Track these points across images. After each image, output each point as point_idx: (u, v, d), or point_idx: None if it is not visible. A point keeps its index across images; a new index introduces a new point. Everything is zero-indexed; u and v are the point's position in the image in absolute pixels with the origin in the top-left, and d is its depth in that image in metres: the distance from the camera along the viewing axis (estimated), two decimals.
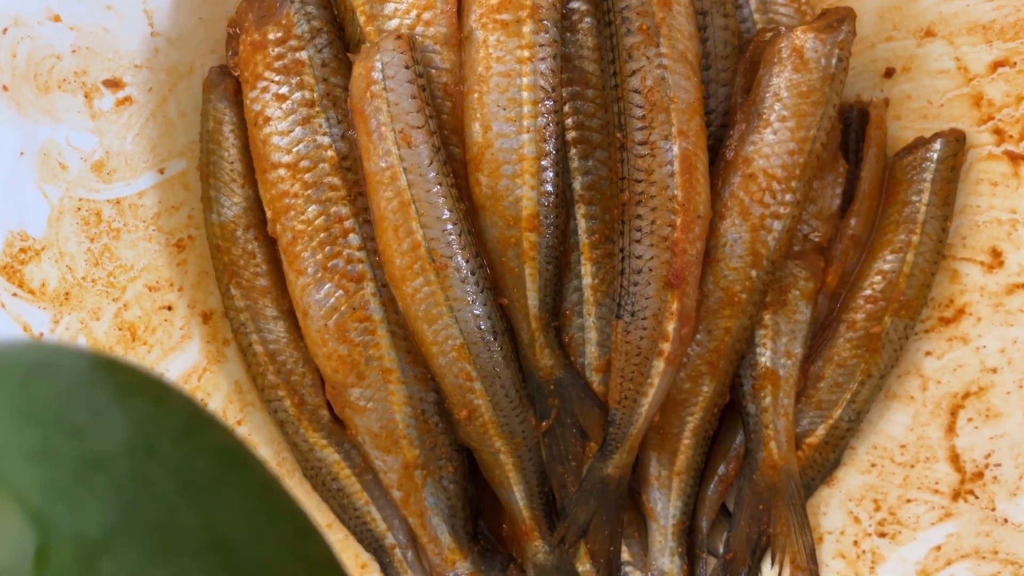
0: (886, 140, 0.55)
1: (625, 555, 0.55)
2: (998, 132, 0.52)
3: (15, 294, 0.47)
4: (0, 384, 0.18)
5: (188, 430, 0.19)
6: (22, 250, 0.47)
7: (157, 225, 0.52)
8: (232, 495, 0.19)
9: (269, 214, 0.50)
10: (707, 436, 0.54)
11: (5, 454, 0.17)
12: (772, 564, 0.53)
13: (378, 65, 0.46)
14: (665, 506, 0.54)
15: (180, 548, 0.17)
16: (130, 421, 0.18)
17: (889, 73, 0.55)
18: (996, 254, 0.52)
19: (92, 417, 0.18)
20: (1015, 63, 0.51)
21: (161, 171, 0.52)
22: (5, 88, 0.45)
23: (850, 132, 0.55)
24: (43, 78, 0.47)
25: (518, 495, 0.53)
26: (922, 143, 0.53)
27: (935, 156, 0.53)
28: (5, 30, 0.45)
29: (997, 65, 0.52)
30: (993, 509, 0.50)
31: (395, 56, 0.46)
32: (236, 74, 0.52)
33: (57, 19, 0.47)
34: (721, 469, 0.55)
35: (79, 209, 0.49)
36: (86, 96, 0.49)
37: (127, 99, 0.51)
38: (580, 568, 0.53)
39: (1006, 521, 0.50)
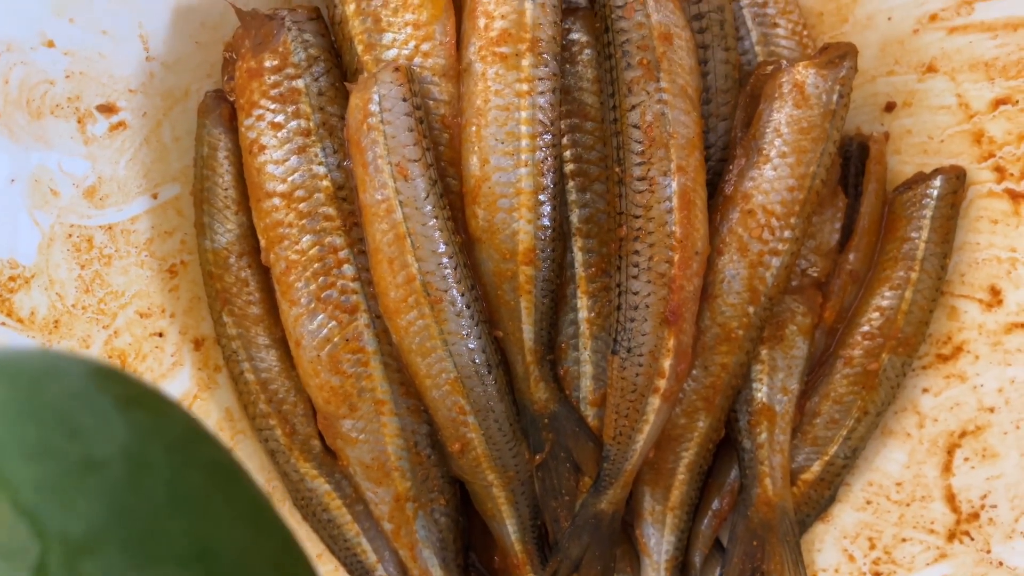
0: (886, 175, 0.55)
1: None
2: (999, 170, 0.52)
3: (3, 323, 0.46)
4: (10, 384, 0.18)
5: (184, 442, 0.19)
6: (11, 278, 0.46)
7: (149, 251, 0.52)
8: (221, 508, 0.19)
9: (263, 243, 0.49)
10: (702, 471, 0.53)
11: (5, 447, 0.17)
12: None
13: (375, 97, 0.46)
14: (659, 541, 0.53)
15: (165, 555, 0.17)
16: (128, 429, 0.19)
17: (890, 107, 0.55)
18: (995, 292, 0.52)
19: (92, 422, 0.18)
20: (1017, 101, 0.51)
21: (154, 196, 0.52)
22: None
23: (850, 166, 0.55)
24: (35, 104, 0.46)
25: (510, 528, 0.52)
26: (922, 179, 0.53)
27: (935, 192, 0.52)
28: None
29: (999, 103, 0.52)
30: (988, 551, 0.50)
31: (393, 88, 0.46)
32: (232, 99, 0.52)
33: (51, 44, 0.46)
34: (715, 504, 0.55)
35: (70, 235, 0.49)
36: (79, 121, 0.48)
37: (121, 124, 0.50)
38: None
39: (1001, 564, 0.50)
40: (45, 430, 0.18)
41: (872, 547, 0.53)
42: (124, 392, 0.20)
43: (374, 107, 0.46)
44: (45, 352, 0.21)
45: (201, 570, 0.18)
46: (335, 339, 0.49)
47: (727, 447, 0.54)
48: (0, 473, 0.17)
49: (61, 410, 0.18)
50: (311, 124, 0.49)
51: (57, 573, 0.16)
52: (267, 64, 0.49)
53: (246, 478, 0.20)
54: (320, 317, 0.49)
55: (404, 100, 0.46)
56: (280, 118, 0.48)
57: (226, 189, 0.51)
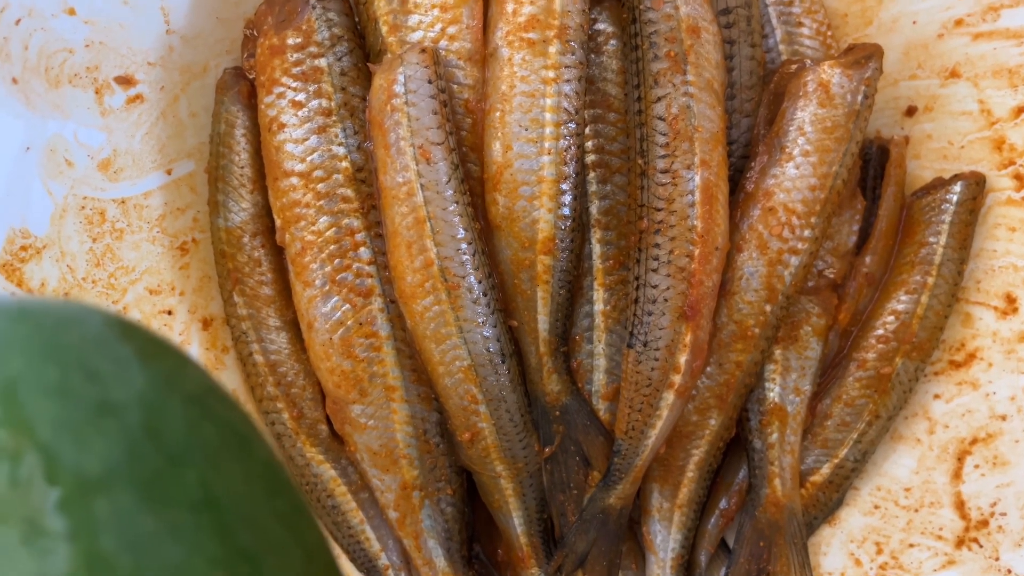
0: (905, 179, 0.54)
1: None
2: (1018, 178, 0.52)
3: (13, 293, 0.45)
4: (34, 325, 0.19)
5: (200, 397, 0.20)
6: (23, 248, 0.46)
7: (161, 227, 0.51)
8: (234, 464, 0.19)
9: (279, 222, 0.49)
10: (711, 470, 0.53)
11: (25, 384, 0.18)
12: None
13: (400, 78, 0.45)
14: (665, 539, 0.53)
15: (176, 500, 0.18)
16: (146, 378, 0.19)
17: (911, 111, 0.55)
18: (1011, 300, 0.52)
19: (111, 368, 0.19)
20: None
21: (168, 172, 0.51)
22: (15, 80, 0.44)
23: (869, 169, 0.55)
24: (54, 72, 0.46)
25: (517, 521, 0.52)
26: (941, 184, 0.53)
27: (954, 198, 0.52)
28: (18, 21, 0.44)
29: (1021, 111, 0.51)
30: (997, 559, 0.50)
31: (418, 70, 0.45)
32: (251, 77, 0.51)
33: (72, 12, 0.45)
34: (723, 503, 0.54)
35: (83, 207, 0.48)
36: (97, 92, 0.48)
37: (138, 97, 0.49)
38: None
39: (1010, 572, 0.49)
40: (65, 371, 0.18)
41: (879, 552, 0.53)
42: (144, 345, 0.20)
43: (399, 88, 0.45)
44: (69, 301, 0.21)
45: (211, 518, 0.18)
46: (348, 322, 0.48)
47: (736, 446, 0.54)
48: (19, 407, 0.17)
49: (82, 353, 0.19)
50: (332, 104, 0.48)
51: (71, 508, 0.17)
52: (290, 42, 0.48)
53: (261, 440, 0.21)
54: (334, 300, 0.48)
55: (429, 83, 0.45)
56: (301, 96, 0.48)
57: (242, 167, 0.51)
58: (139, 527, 0.17)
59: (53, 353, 0.18)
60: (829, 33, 0.54)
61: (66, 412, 0.18)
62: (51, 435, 0.17)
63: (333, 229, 0.48)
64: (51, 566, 0.16)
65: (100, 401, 0.18)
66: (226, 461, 0.19)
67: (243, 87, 0.51)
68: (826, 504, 0.54)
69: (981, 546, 0.50)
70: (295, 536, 0.20)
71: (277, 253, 0.51)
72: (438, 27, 0.47)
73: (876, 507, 0.54)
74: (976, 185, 0.52)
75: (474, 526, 0.54)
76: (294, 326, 0.51)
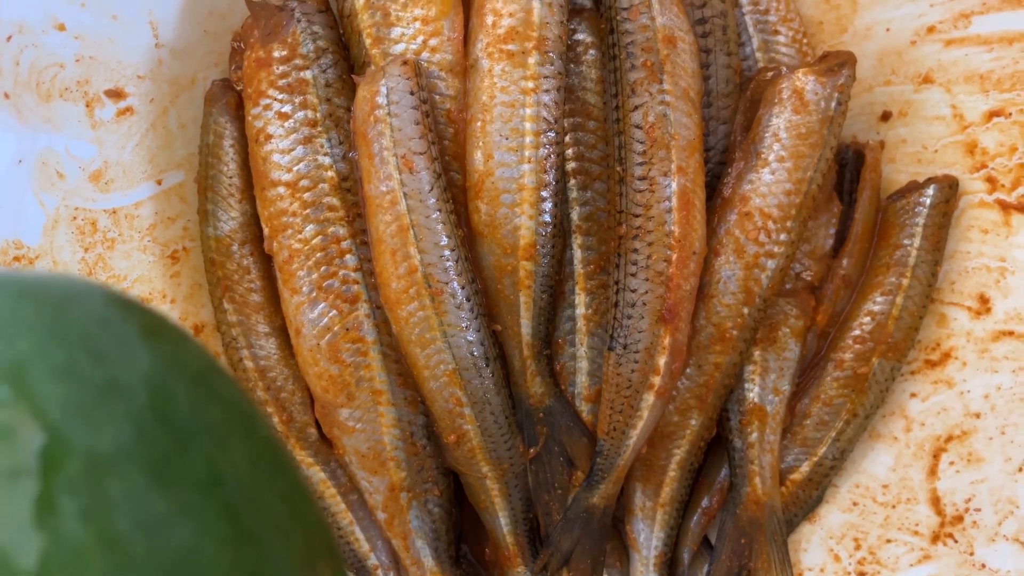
0: (880, 182, 0.56)
1: None
2: (990, 180, 0.53)
3: None
4: (36, 304, 0.19)
5: (205, 377, 0.20)
6: (16, 259, 0.47)
7: (152, 236, 0.52)
8: (238, 443, 0.20)
9: (266, 231, 0.50)
10: (692, 469, 0.54)
11: (32, 366, 0.18)
12: None
13: (383, 90, 0.46)
14: (648, 537, 0.54)
15: (184, 480, 0.18)
16: (151, 358, 0.19)
17: (886, 116, 0.56)
18: (984, 300, 0.53)
19: (116, 348, 0.19)
20: (1010, 114, 0.52)
21: (159, 182, 0.52)
22: (7, 95, 0.45)
23: (845, 173, 0.56)
24: (45, 86, 0.47)
25: (503, 520, 0.53)
26: (916, 187, 0.54)
27: (928, 201, 0.53)
28: (9, 38, 0.45)
29: (992, 115, 0.53)
30: (972, 553, 0.51)
31: (400, 81, 0.46)
32: (239, 88, 0.52)
33: (62, 28, 0.47)
34: (705, 502, 0.55)
35: (75, 218, 0.49)
36: (87, 105, 0.49)
37: (128, 109, 0.50)
38: None
39: (984, 566, 0.51)
40: (71, 351, 0.18)
41: (857, 547, 0.54)
42: (147, 323, 0.20)
43: (382, 99, 0.46)
44: (70, 277, 0.21)
45: (218, 498, 0.18)
46: (335, 328, 0.49)
47: (718, 445, 0.55)
48: (28, 388, 0.17)
49: (86, 334, 0.19)
50: (318, 115, 0.49)
51: (82, 488, 0.17)
52: (276, 54, 0.49)
53: (262, 419, 0.21)
54: (321, 306, 0.49)
55: (411, 94, 0.47)
56: (287, 108, 0.49)
57: (231, 177, 0.52)
58: (150, 507, 0.17)
59: (58, 334, 0.18)
60: (805, 41, 0.56)
61: (74, 393, 0.18)
62: (61, 416, 0.17)
63: (319, 237, 0.49)
64: (65, 544, 0.17)
65: (107, 382, 0.18)
66: (231, 441, 0.20)
67: (231, 99, 0.52)
68: (806, 502, 0.55)
69: (956, 541, 0.52)
70: (297, 515, 0.20)
71: (266, 261, 0.52)
72: (420, 39, 0.49)
73: (855, 504, 0.55)
74: (949, 188, 0.53)
75: (461, 526, 0.55)
76: (283, 332, 0.52)
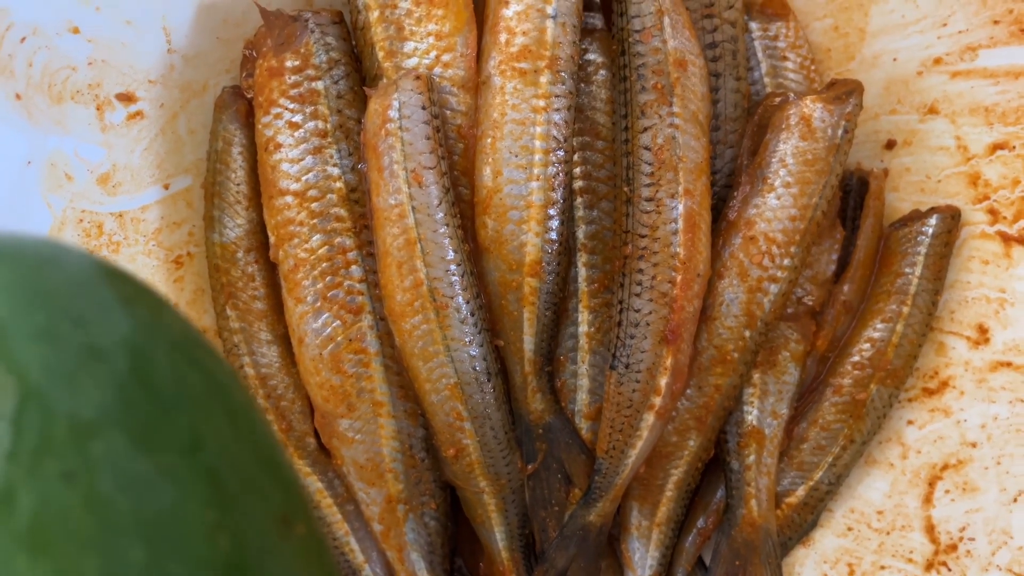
0: (883, 210, 0.56)
1: None
2: (992, 212, 0.54)
3: None
4: (14, 267, 0.19)
5: (185, 344, 0.20)
6: None
7: (157, 240, 0.52)
8: (218, 409, 0.20)
9: (272, 239, 0.50)
10: (689, 489, 0.54)
11: (13, 330, 0.18)
12: None
13: (395, 104, 0.47)
14: (643, 556, 0.54)
15: (167, 444, 0.18)
16: (131, 323, 0.19)
17: (890, 145, 0.56)
18: (983, 330, 0.54)
19: (97, 312, 0.19)
20: (1014, 147, 0.53)
21: (166, 187, 0.52)
22: (18, 96, 0.45)
23: (849, 200, 0.56)
24: (56, 89, 0.47)
25: (499, 536, 0.53)
26: (918, 216, 0.54)
27: (930, 230, 0.54)
28: (23, 39, 0.45)
29: (996, 147, 0.53)
30: None
31: (413, 96, 0.47)
32: (249, 96, 0.52)
33: (76, 31, 0.47)
34: (700, 522, 0.55)
35: (81, 220, 0.49)
36: (98, 108, 0.49)
37: (138, 114, 0.50)
38: None
39: None
40: (51, 315, 0.18)
41: (851, 573, 0.54)
42: (127, 289, 0.20)
43: (393, 113, 0.47)
44: (47, 240, 0.21)
45: (200, 461, 0.19)
46: (338, 338, 0.50)
47: (714, 466, 0.55)
48: (8, 351, 0.18)
49: (66, 297, 0.19)
50: (328, 126, 0.49)
51: (65, 452, 0.17)
52: (288, 64, 0.49)
53: (240, 388, 0.21)
54: (325, 316, 0.49)
55: (423, 108, 0.47)
56: (298, 118, 0.49)
57: (238, 184, 0.52)
58: (134, 470, 0.18)
59: (38, 297, 0.19)
60: (813, 67, 0.56)
61: (55, 357, 0.18)
62: (43, 379, 0.18)
63: (326, 247, 0.49)
64: (50, 505, 0.17)
65: (88, 346, 0.18)
66: (211, 406, 0.20)
67: (241, 106, 0.52)
68: (801, 525, 0.55)
69: (950, 570, 0.52)
70: (274, 477, 0.21)
71: (270, 269, 0.52)
72: (433, 54, 0.49)
73: (849, 529, 0.55)
74: (951, 218, 0.54)
75: (456, 540, 0.55)
76: (285, 340, 0.52)
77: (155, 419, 0.19)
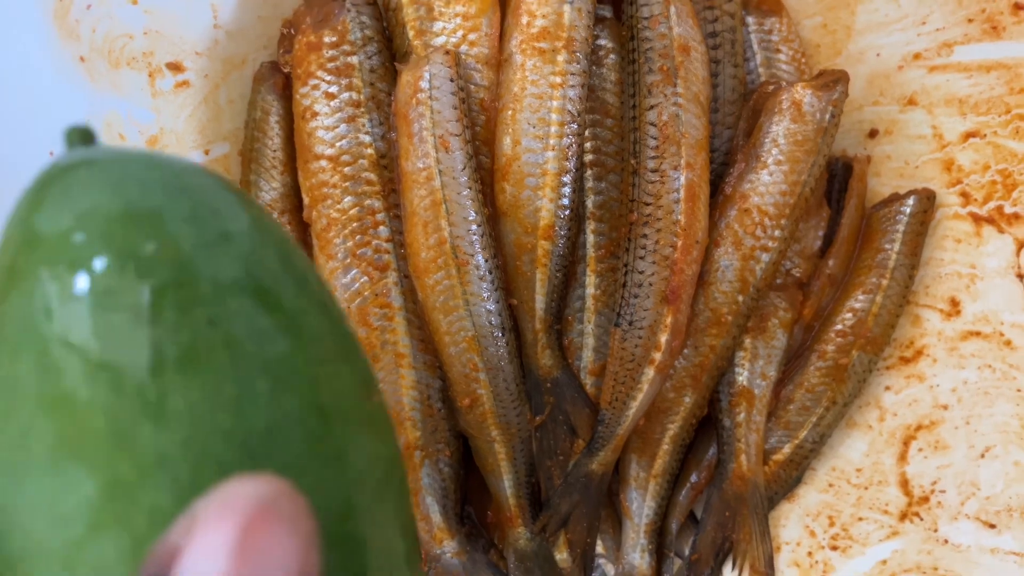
0: (866, 192, 0.61)
1: (599, 548, 0.59)
2: (964, 195, 0.59)
3: None
4: (164, 170, 0.24)
5: (283, 240, 0.25)
6: None
7: None
8: (313, 292, 0.25)
9: (307, 200, 0.54)
10: (684, 444, 0.58)
11: (169, 213, 0.23)
12: (733, 567, 0.57)
13: (426, 75, 0.51)
14: (640, 506, 0.58)
15: (281, 310, 0.23)
16: (249, 218, 0.24)
17: (873, 134, 0.61)
18: (954, 303, 0.58)
19: (226, 207, 0.24)
20: (985, 135, 0.58)
21: (206, 152, 0.57)
22: (82, 59, 0.49)
23: (834, 182, 0.61)
24: (115, 55, 0.51)
25: (507, 483, 0.57)
26: (897, 198, 0.59)
27: (908, 211, 0.59)
28: (89, 7, 0.49)
29: (969, 136, 0.58)
30: (936, 530, 0.56)
31: (442, 69, 0.51)
32: (285, 70, 0.57)
33: (135, 2, 0.51)
34: (693, 477, 0.60)
35: None
36: (150, 75, 0.53)
37: (185, 83, 0.55)
38: (557, 556, 0.57)
39: (946, 541, 0.55)
40: (195, 205, 0.23)
41: (832, 524, 0.58)
42: (242, 193, 0.25)
43: (424, 84, 0.51)
44: (180, 157, 0.26)
45: (302, 324, 0.24)
46: (365, 293, 0.54)
47: (707, 425, 0.60)
48: (164, 228, 0.23)
49: (203, 193, 0.24)
50: (361, 96, 0.54)
51: (209, 304, 0.22)
52: (326, 39, 0.54)
53: (337, 307, 0.26)
54: (353, 272, 0.54)
55: (451, 81, 0.51)
56: (334, 88, 0.54)
57: (274, 151, 0.56)
58: (258, 323, 0.23)
59: (184, 192, 0.24)
60: (803, 60, 0.61)
61: (200, 235, 0.23)
62: (191, 250, 0.23)
63: (356, 208, 0.54)
64: (198, 343, 0.22)
65: (221, 230, 0.23)
66: (307, 288, 0.25)
67: (278, 79, 0.57)
68: (786, 481, 0.60)
69: (922, 519, 0.56)
70: (352, 353, 0.25)
71: (302, 230, 0.56)
72: (459, 34, 0.54)
73: (830, 485, 0.59)
74: (927, 200, 0.59)
75: (467, 489, 0.59)
76: None
77: (271, 290, 0.24)
